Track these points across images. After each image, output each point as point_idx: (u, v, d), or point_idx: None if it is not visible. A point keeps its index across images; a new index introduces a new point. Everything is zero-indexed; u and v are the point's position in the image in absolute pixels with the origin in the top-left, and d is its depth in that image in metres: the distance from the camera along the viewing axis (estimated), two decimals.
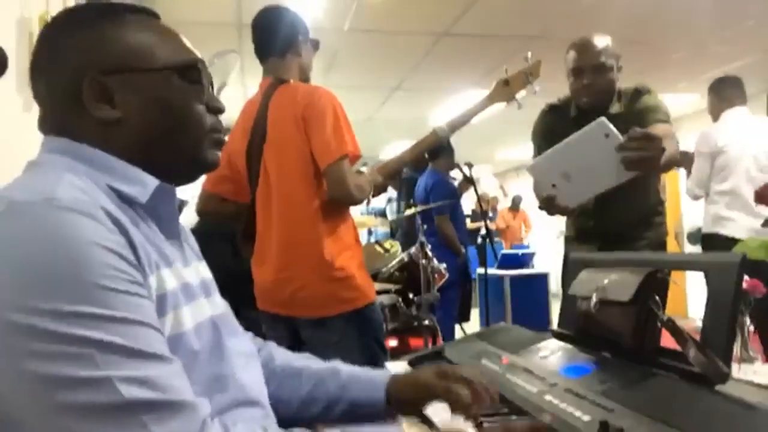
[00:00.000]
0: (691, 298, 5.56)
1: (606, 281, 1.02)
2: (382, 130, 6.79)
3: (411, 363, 1.27)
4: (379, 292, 2.15)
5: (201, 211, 1.84)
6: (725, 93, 3.17)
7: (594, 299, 1.02)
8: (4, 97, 1.49)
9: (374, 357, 1.60)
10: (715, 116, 3.21)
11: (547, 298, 4.91)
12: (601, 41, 1.89)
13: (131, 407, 0.52)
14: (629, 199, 1.93)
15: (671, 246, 4.61)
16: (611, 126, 1.35)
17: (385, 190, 1.90)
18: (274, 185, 1.65)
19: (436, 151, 3.63)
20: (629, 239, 2.02)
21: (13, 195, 0.58)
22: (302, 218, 1.60)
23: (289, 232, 1.62)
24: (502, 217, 8.70)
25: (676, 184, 6.36)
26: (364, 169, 1.81)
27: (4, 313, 0.52)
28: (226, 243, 2.34)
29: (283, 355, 0.97)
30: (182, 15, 3.48)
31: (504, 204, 9.22)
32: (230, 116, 1.50)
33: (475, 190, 3.57)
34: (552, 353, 1.07)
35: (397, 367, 1.27)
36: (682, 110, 6.22)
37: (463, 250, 3.83)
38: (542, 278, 4.99)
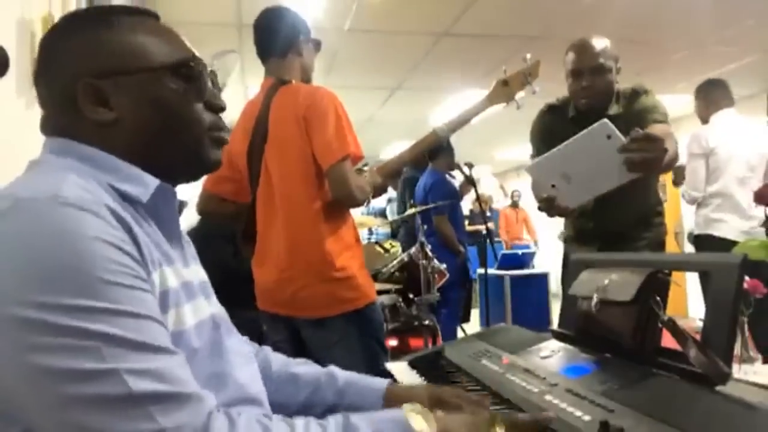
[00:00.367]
0: (691, 298, 5.56)
1: (607, 281, 1.02)
2: (382, 130, 6.79)
3: (411, 363, 1.27)
4: (379, 292, 2.15)
5: (201, 211, 1.84)
6: (713, 95, 3.19)
7: (595, 299, 1.02)
8: (5, 98, 1.49)
9: (375, 357, 1.60)
10: (704, 119, 3.23)
11: (547, 298, 4.91)
12: (600, 43, 1.89)
13: (138, 399, 0.53)
14: (629, 199, 1.93)
15: (671, 246, 4.62)
16: (614, 127, 1.35)
17: (385, 190, 1.90)
18: (275, 186, 1.65)
19: (436, 150, 3.63)
20: (629, 239, 2.02)
21: (18, 192, 0.59)
22: (303, 219, 1.60)
23: (290, 233, 1.62)
24: (504, 216, 8.69)
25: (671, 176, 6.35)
26: (364, 169, 1.81)
27: (10, 308, 0.53)
28: (227, 243, 2.35)
29: (279, 360, 0.98)
30: (182, 15, 3.48)
31: (504, 203, 9.20)
32: (231, 116, 1.50)
33: (476, 191, 3.57)
34: (552, 353, 1.07)
35: (397, 367, 1.27)
36: (682, 110, 6.21)
37: (463, 250, 3.84)
38: (542, 278, 4.99)
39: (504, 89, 1.90)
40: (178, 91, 0.74)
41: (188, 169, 0.78)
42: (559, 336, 1.15)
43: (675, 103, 5.68)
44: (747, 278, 1.02)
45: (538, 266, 5.73)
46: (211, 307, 0.78)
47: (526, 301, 4.75)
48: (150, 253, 0.65)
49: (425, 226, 3.29)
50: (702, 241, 3.11)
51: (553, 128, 2.01)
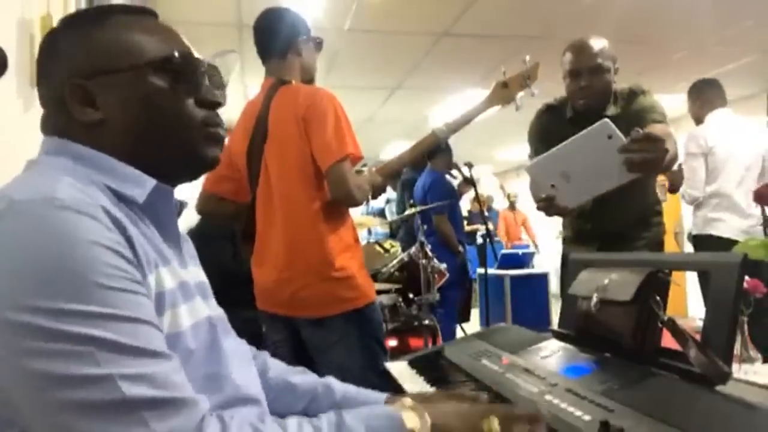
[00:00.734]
0: (691, 298, 5.56)
1: (606, 281, 1.02)
2: (382, 130, 6.79)
3: (411, 363, 1.27)
4: (379, 292, 2.15)
5: (200, 211, 1.84)
6: (706, 95, 3.19)
7: (595, 299, 1.02)
8: (4, 98, 1.49)
9: (374, 357, 1.60)
10: (698, 119, 3.22)
11: (547, 298, 4.90)
12: (598, 43, 1.89)
13: (132, 404, 0.53)
14: (627, 199, 1.93)
15: (671, 246, 4.62)
16: (614, 127, 1.35)
17: (384, 190, 1.90)
18: (274, 186, 1.65)
19: (434, 151, 3.63)
20: (627, 239, 2.02)
21: (13, 194, 0.59)
22: (303, 219, 1.60)
23: (290, 233, 1.62)
24: (503, 219, 8.69)
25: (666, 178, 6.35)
26: (363, 169, 1.81)
27: (5, 312, 0.53)
28: (226, 243, 2.35)
29: (277, 367, 0.97)
30: (182, 15, 3.48)
31: (504, 204, 9.20)
32: (231, 116, 1.50)
33: (476, 191, 3.57)
34: (552, 353, 1.07)
35: (397, 367, 1.27)
36: (682, 110, 6.19)
37: (462, 250, 3.84)
38: (542, 278, 4.98)
39: (503, 91, 1.91)
40: (163, 88, 0.72)
41: (184, 167, 0.77)
42: (559, 336, 1.15)
43: (675, 103, 5.67)
44: (747, 278, 1.02)
45: (538, 266, 5.73)
46: (208, 308, 0.78)
47: (526, 301, 4.75)
48: (146, 254, 0.65)
49: (425, 226, 3.29)
50: (701, 241, 3.11)
51: (551, 128, 2.01)
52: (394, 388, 1.19)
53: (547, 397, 0.87)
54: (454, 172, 3.86)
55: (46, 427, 0.53)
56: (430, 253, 3.01)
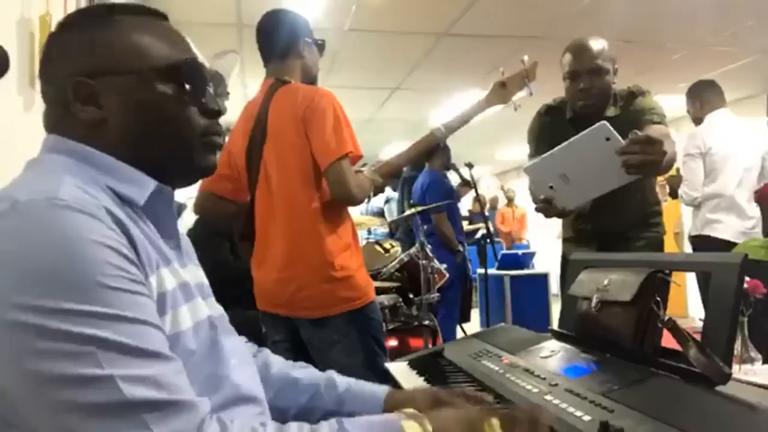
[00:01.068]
0: (691, 298, 5.56)
1: (607, 281, 1.02)
2: (382, 130, 6.79)
3: (411, 363, 1.27)
4: (379, 292, 2.15)
5: (199, 210, 1.84)
6: (705, 96, 3.19)
7: (595, 299, 1.02)
8: (5, 97, 1.49)
9: (374, 356, 1.60)
10: (698, 119, 3.22)
11: (547, 298, 4.90)
12: (597, 44, 1.89)
13: (132, 406, 0.53)
14: (627, 200, 1.93)
15: (671, 246, 4.61)
16: (612, 130, 1.35)
17: (382, 190, 1.90)
18: (274, 185, 1.65)
19: (432, 150, 3.63)
20: (627, 240, 2.02)
21: (16, 194, 0.59)
22: (302, 218, 1.60)
23: (290, 233, 1.62)
24: (501, 215, 8.70)
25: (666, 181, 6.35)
26: (363, 169, 1.81)
27: (6, 312, 0.53)
28: (224, 241, 2.34)
29: (279, 363, 0.97)
30: (182, 15, 3.47)
31: (502, 201, 9.22)
32: (230, 116, 1.50)
33: (476, 191, 3.57)
34: (552, 353, 1.07)
35: (397, 367, 1.27)
36: (682, 110, 6.19)
37: (461, 249, 3.84)
38: (542, 278, 4.98)
39: (502, 91, 1.91)
40: (168, 94, 0.72)
41: (180, 173, 0.77)
42: (559, 336, 1.15)
43: (675, 103, 5.67)
44: (747, 278, 1.02)
45: (538, 266, 5.72)
46: (208, 307, 0.78)
47: (526, 301, 4.74)
48: (147, 255, 0.65)
49: (425, 226, 3.29)
50: (699, 242, 3.11)
51: (550, 129, 2.00)
52: (394, 388, 1.19)
53: (547, 397, 0.87)
54: (452, 173, 3.86)
55: (46, 427, 0.53)
56: (430, 253, 3.01)
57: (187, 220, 2.29)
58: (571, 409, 0.80)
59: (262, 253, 1.70)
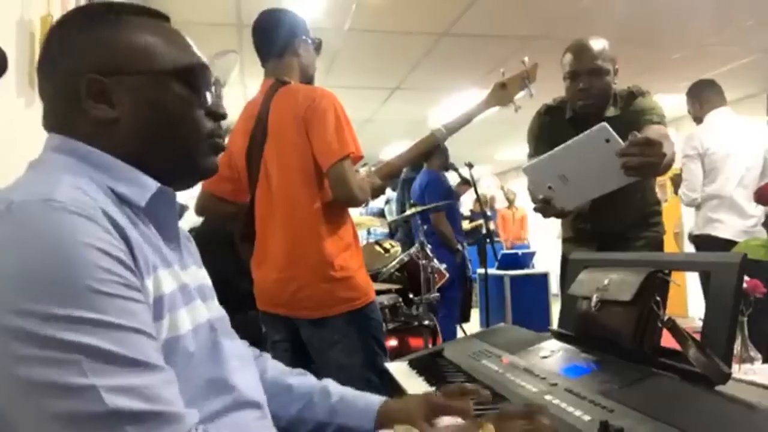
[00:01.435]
0: (691, 298, 5.56)
1: (607, 281, 1.02)
2: (382, 130, 6.79)
3: (411, 363, 1.27)
4: (379, 292, 2.15)
5: (200, 211, 1.84)
6: (705, 95, 3.19)
7: (595, 299, 1.02)
8: (4, 97, 1.49)
9: (374, 356, 1.60)
10: (698, 120, 3.22)
11: (547, 298, 4.90)
12: (598, 44, 1.89)
13: (116, 417, 0.51)
14: (626, 200, 1.93)
15: (671, 246, 4.61)
16: (612, 131, 1.35)
17: (383, 191, 1.90)
18: (274, 186, 1.65)
19: (430, 151, 3.63)
20: (627, 240, 2.02)
21: (12, 195, 0.58)
22: (303, 219, 1.60)
23: (290, 233, 1.62)
24: (501, 217, 8.70)
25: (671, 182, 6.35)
26: (363, 169, 1.81)
27: None
28: (228, 253, 2.34)
29: (276, 369, 0.96)
30: (182, 15, 3.47)
31: (504, 204, 9.20)
32: (230, 117, 1.50)
33: (476, 190, 3.57)
34: (552, 353, 1.07)
35: (397, 367, 1.27)
36: (682, 110, 6.19)
37: (460, 248, 3.84)
38: (542, 278, 4.98)
39: (502, 92, 1.91)
40: (181, 96, 0.73)
41: (184, 175, 0.78)
42: (558, 336, 1.15)
43: (676, 103, 5.67)
44: (747, 278, 1.02)
45: (538, 266, 5.73)
46: (209, 310, 0.77)
47: (526, 301, 4.74)
48: (144, 257, 0.64)
49: (425, 226, 3.29)
50: (700, 241, 3.11)
51: (550, 129, 2.00)
52: (394, 388, 1.19)
53: (547, 397, 0.87)
54: (451, 172, 3.86)
55: None
56: (430, 253, 3.01)
57: (189, 221, 2.29)
58: (570, 409, 0.80)
59: (262, 253, 1.70)
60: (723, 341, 0.82)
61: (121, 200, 0.68)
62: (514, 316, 4.66)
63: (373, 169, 1.82)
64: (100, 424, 0.51)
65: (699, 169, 3.07)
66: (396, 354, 2.12)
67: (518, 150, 8.22)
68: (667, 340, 0.89)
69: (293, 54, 1.73)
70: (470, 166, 3.58)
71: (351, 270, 1.61)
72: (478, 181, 3.99)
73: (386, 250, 3.22)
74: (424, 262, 2.96)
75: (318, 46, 1.81)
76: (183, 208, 0.72)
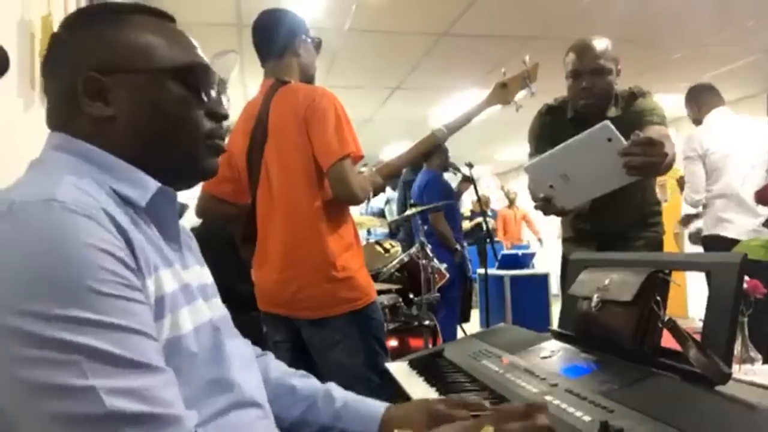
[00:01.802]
0: (691, 298, 5.56)
1: (607, 281, 1.02)
2: (382, 130, 6.79)
3: (411, 363, 1.27)
4: (379, 292, 2.15)
5: (201, 213, 1.84)
6: (702, 98, 3.20)
7: (595, 299, 1.02)
8: (5, 97, 1.49)
9: (375, 357, 1.60)
10: (698, 122, 3.22)
11: (547, 298, 4.90)
12: (600, 44, 1.89)
13: (115, 419, 0.51)
14: (627, 199, 1.93)
15: (670, 246, 4.61)
16: (615, 130, 1.36)
17: (383, 190, 1.90)
18: (275, 186, 1.65)
19: (430, 151, 3.63)
20: (627, 240, 2.02)
21: (14, 196, 0.58)
22: (304, 219, 1.60)
23: (291, 233, 1.62)
24: (502, 218, 8.69)
25: (676, 185, 6.36)
26: (363, 169, 1.81)
27: None
28: (226, 244, 2.34)
29: (279, 369, 0.96)
30: (182, 15, 3.44)
31: (504, 203, 9.19)
32: (230, 117, 1.50)
33: (476, 189, 3.57)
34: (552, 353, 1.07)
35: (397, 367, 1.27)
36: (682, 111, 6.20)
37: (459, 248, 3.84)
38: (542, 278, 4.98)
39: (503, 91, 1.91)
40: (179, 95, 0.73)
41: (183, 175, 0.77)
42: (559, 336, 1.15)
43: (676, 103, 5.66)
44: (747, 278, 1.02)
45: (538, 266, 5.73)
46: (211, 309, 0.77)
47: (526, 301, 4.74)
48: (145, 257, 0.64)
49: (425, 227, 3.29)
50: (710, 242, 3.09)
51: (551, 129, 2.01)
52: (394, 388, 1.19)
53: (547, 397, 0.87)
54: (452, 171, 3.86)
55: None
56: (430, 253, 3.01)
57: (190, 222, 2.29)
58: (571, 409, 0.80)
59: (263, 253, 1.70)
60: (723, 341, 0.82)
61: (123, 200, 0.67)
62: (514, 316, 4.66)
63: (373, 169, 1.82)
64: (98, 426, 0.51)
65: (701, 170, 3.07)
66: (396, 354, 2.12)
67: (518, 150, 8.22)
68: (667, 340, 0.89)
69: (293, 54, 1.73)
70: (470, 166, 3.58)
71: (352, 270, 1.61)
72: (478, 181, 3.99)
73: (386, 250, 3.21)
74: (424, 262, 2.96)
75: (318, 46, 1.81)
76: (183, 207, 0.73)
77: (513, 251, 6.19)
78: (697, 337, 0.83)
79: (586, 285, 1.08)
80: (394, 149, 6.70)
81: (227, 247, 2.18)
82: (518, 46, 4.09)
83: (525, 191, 1.94)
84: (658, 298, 0.93)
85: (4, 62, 1.13)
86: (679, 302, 5.66)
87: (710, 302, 0.87)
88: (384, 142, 7.25)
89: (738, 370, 1.10)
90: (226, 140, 1.82)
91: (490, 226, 5.33)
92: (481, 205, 3.72)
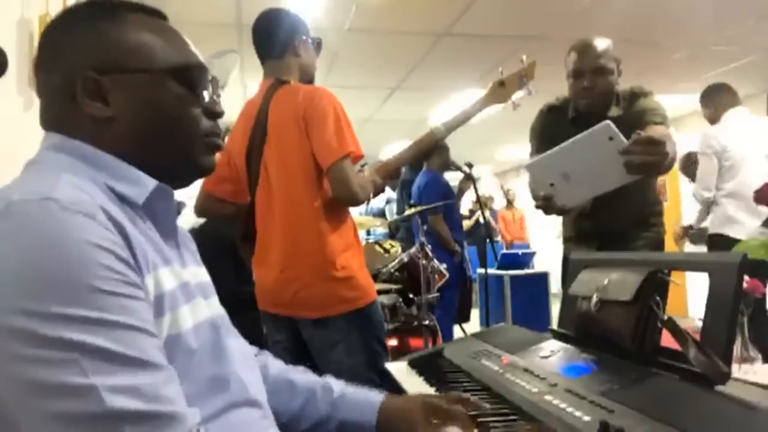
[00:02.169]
0: (691, 298, 5.56)
1: (607, 281, 1.02)
2: (382, 130, 6.79)
3: (411, 363, 1.27)
4: (379, 292, 2.15)
5: (199, 212, 1.84)
6: (720, 98, 3.18)
7: (595, 299, 1.02)
8: (4, 97, 1.49)
9: (375, 356, 1.60)
10: (714, 121, 3.20)
11: (547, 298, 4.90)
12: (602, 44, 1.90)
13: (115, 417, 0.51)
14: (627, 199, 1.93)
15: (670, 246, 4.62)
16: (616, 129, 1.36)
17: (383, 190, 1.90)
18: (274, 186, 1.65)
19: (430, 150, 3.62)
20: (627, 239, 2.02)
21: (11, 195, 0.58)
22: (304, 218, 1.60)
23: (291, 233, 1.62)
24: (502, 218, 8.69)
25: (676, 184, 6.37)
26: (363, 169, 1.81)
27: None
28: (227, 245, 2.34)
29: (277, 367, 0.97)
30: (182, 15, 3.47)
31: (502, 203, 9.20)
32: (230, 116, 1.50)
33: (475, 189, 3.57)
34: (552, 353, 1.07)
35: (397, 367, 1.27)
36: (682, 110, 6.21)
37: (459, 249, 3.84)
38: (542, 278, 4.98)
39: (500, 90, 1.91)
40: (177, 95, 0.73)
41: (181, 173, 0.78)
42: (558, 336, 1.15)
43: (676, 102, 5.67)
44: (747, 278, 1.02)
45: (538, 266, 5.73)
46: (210, 308, 0.77)
47: (526, 301, 4.75)
48: (144, 255, 0.64)
49: (425, 226, 3.29)
50: (716, 241, 3.08)
51: (552, 128, 2.01)
52: (394, 388, 1.19)
53: (547, 397, 0.87)
54: (453, 170, 3.85)
55: None
56: (430, 253, 3.01)
57: (189, 222, 2.29)
58: (570, 409, 0.80)
59: (263, 253, 1.70)
60: (723, 341, 0.82)
61: (120, 198, 0.67)
62: (514, 316, 4.66)
63: (373, 169, 1.82)
64: (99, 424, 0.51)
65: (715, 167, 3.05)
66: (396, 354, 2.12)
67: (518, 150, 8.23)
68: (667, 340, 0.89)
69: (293, 54, 1.73)
70: (470, 166, 3.57)
71: (352, 270, 1.61)
72: (478, 180, 3.99)
73: (386, 250, 3.21)
74: (424, 262, 2.96)
75: (318, 46, 1.81)
76: (180, 206, 0.73)
77: (513, 251, 6.19)
78: (697, 337, 0.83)
79: (586, 285, 1.08)
80: (393, 149, 6.70)
81: (228, 247, 2.18)
82: (518, 46, 4.09)
83: (524, 191, 1.94)
84: (658, 297, 0.93)
85: (3, 62, 1.13)
86: (679, 302, 5.66)
87: (710, 302, 0.86)
88: (384, 142, 7.25)
89: (738, 370, 1.10)
90: (226, 139, 1.83)
91: (491, 225, 5.33)
92: (481, 205, 3.71)
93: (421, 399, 0.90)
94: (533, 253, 5.71)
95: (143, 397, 0.53)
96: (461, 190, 4.46)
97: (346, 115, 1.61)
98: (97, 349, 0.52)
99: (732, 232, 2.98)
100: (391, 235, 4.55)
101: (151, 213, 0.71)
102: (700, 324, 0.86)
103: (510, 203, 8.71)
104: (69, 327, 0.52)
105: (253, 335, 1.04)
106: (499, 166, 10.85)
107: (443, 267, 3.20)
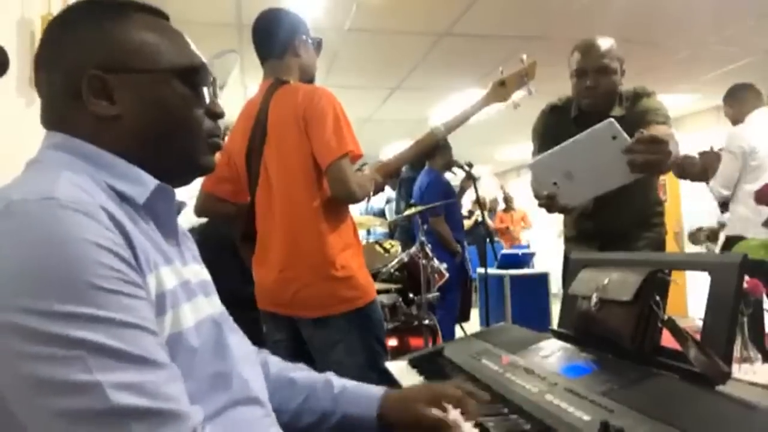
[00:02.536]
0: (691, 298, 5.56)
1: (607, 281, 1.02)
2: (382, 130, 6.79)
3: (411, 362, 1.27)
4: (379, 292, 2.15)
5: (199, 212, 1.84)
6: (745, 97, 3.15)
7: (595, 298, 1.02)
8: (5, 97, 1.49)
9: (375, 356, 1.60)
10: (737, 122, 3.17)
11: (547, 298, 4.90)
12: (605, 43, 1.90)
13: (119, 413, 0.51)
14: (629, 199, 1.93)
15: (670, 246, 4.62)
16: (619, 128, 1.36)
17: (383, 189, 1.90)
18: (274, 185, 1.65)
19: (432, 149, 3.62)
20: (629, 239, 2.03)
21: (12, 194, 0.58)
22: (303, 218, 1.60)
23: (291, 232, 1.62)
24: (500, 219, 8.69)
25: (676, 184, 6.37)
26: (363, 168, 1.81)
27: None
28: (227, 245, 2.33)
29: (277, 364, 0.97)
30: (182, 15, 3.47)
31: (501, 205, 9.19)
32: (230, 116, 1.50)
33: (476, 189, 3.57)
34: (552, 353, 1.07)
35: (397, 366, 1.27)
36: (682, 110, 6.22)
37: (460, 249, 3.83)
38: (542, 278, 4.98)
39: (501, 89, 1.91)
40: (182, 95, 0.74)
41: (181, 172, 0.78)
42: (559, 335, 1.15)
43: (676, 102, 5.68)
44: (747, 278, 1.02)
45: (538, 266, 5.73)
46: (211, 305, 0.78)
47: (526, 301, 4.74)
48: (145, 254, 0.64)
49: (425, 226, 3.29)
50: (733, 243, 3.05)
51: (554, 128, 2.01)
52: (394, 387, 1.19)
53: (547, 396, 0.87)
54: (455, 169, 3.85)
55: (35, 431, 0.52)
56: (430, 253, 3.01)
57: (189, 221, 2.29)
58: (571, 409, 0.80)
59: (263, 252, 1.70)
60: (723, 341, 0.82)
61: (121, 198, 0.68)
62: (514, 315, 4.66)
63: (373, 168, 1.82)
64: (103, 421, 0.51)
65: (737, 167, 3.02)
66: (396, 353, 2.12)
67: (518, 150, 8.24)
68: (667, 340, 0.89)
69: (293, 54, 1.73)
70: (470, 165, 3.57)
71: (352, 269, 1.61)
72: (478, 180, 3.99)
73: (386, 250, 3.22)
74: (424, 261, 2.96)
75: (318, 46, 1.81)
76: (181, 205, 0.73)
77: (513, 251, 6.19)
78: (697, 337, 0.83)
79: (586, 284, 1.08)
80: (394, 149, 6.70)
81: (228, 247, 2.18)
82: (518, 46, 4.08)
83: (523, 192, 1.94)
84: (658, 297, 0.93)
85: (4, 62, 1.13)
86: (679, 302, 5.66)
87: (710, 302, 0.87)
88: (384, 142, 7.25)
89: (738, 370, 1.10)
90: (226, 139, 1.83)
91: (490, 223, 5.33)
92: (482, 208, 3.71)
93: (422, 387, 0.92)
94: (533, 253, 5.71)
95: (147, 394, 0.53)
96: (462, 189, 4.46)
97: (346, 115, 1.61)
98: (101, 346, 0.53)
99: (751, 235, 2.96)
100: (391, 235, 4.55)
101: (152, 212, 0.71)
102: (700, 324, 0.86)
103: (508, 206, 8.68)
104: (72, 324, 0.52)
105: (253, 335, 1.04)
106: (499, 166, 10.85)
107: (443, 267, 3.20)
